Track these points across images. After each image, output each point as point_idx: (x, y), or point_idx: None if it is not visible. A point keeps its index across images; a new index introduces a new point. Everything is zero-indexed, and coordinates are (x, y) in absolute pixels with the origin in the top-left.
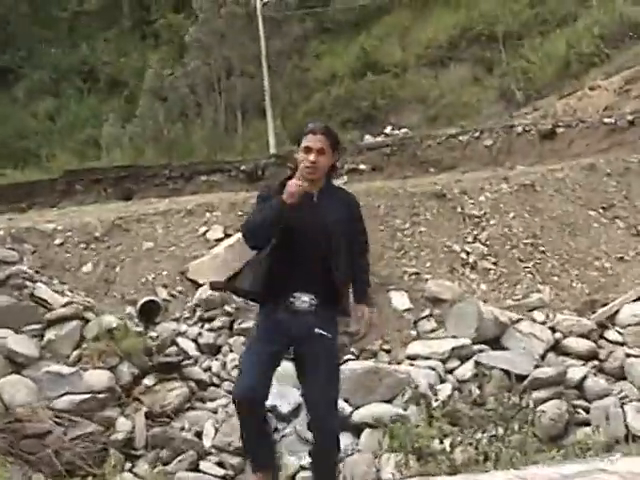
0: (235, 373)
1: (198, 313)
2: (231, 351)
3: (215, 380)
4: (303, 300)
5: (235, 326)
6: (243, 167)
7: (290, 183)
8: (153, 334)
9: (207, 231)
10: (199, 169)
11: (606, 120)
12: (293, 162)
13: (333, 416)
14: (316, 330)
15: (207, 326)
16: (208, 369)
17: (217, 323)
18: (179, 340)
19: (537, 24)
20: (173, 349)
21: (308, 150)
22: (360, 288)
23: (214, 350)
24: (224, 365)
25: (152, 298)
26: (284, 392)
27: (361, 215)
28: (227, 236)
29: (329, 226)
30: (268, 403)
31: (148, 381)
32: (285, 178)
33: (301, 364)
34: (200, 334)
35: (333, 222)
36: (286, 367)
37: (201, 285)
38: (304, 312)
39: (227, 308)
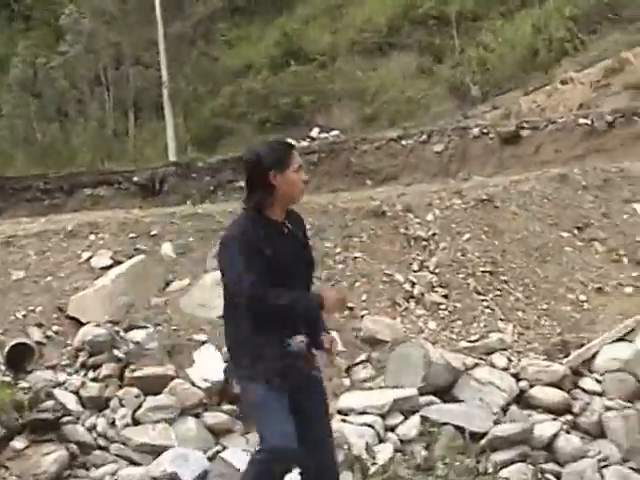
0: (126, 433)
1: (80, 359)
2: (122, 406)
3: (101, 442)
4: (299, 341)
5: (126, 374)
6: (136, 178)
7: (329, 297)
8: (24, 385)
9: (91, 257)
10: (82, 181)
11: (581, 121)
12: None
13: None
14: (313, 372)
15: (91, 375)
16: (93, 428)
17: (104, 371)
18: (57, 392)
19: (497, 4)
20: (49, 403)
21: (300, 168)
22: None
23: (100, 405)
24: (113, 423)
25: (23, 340)
26: (186, 455)
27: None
28: (116, 263)
29: (305, 254)
30: (168, 470)
31: (18, 443)
32: (247, 216)
33: (301, 411)
34: (83, 385)
35: (305, 248)
36: (188, 425)
37: (84, 324)
38: (301, 354)
39: (117, 353)
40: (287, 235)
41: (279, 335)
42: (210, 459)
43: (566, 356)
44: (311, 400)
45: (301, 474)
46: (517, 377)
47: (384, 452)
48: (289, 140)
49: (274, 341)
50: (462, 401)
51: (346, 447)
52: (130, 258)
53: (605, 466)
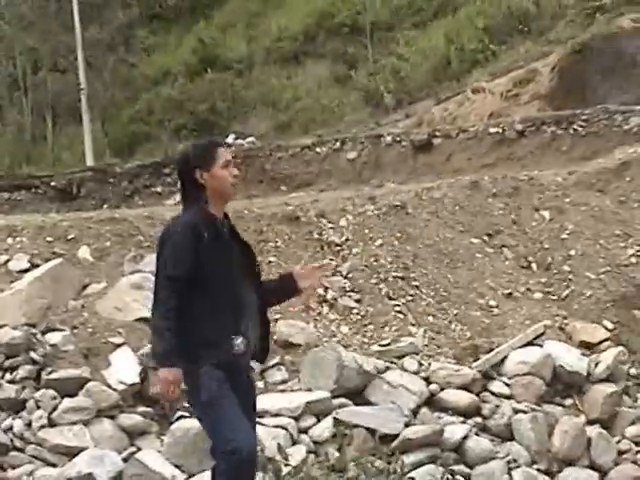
0: (42, 434)
1: None
2: (38, 407)
3: (18, 443)
4: (239, 342)
5: (43, 376)
6: (54, 183)
7: (163, 378)
8: None
9: (9, 260)
10: (0, 184)
11: (492, 130)
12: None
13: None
14: (249, 373)
15: (8, 377)
16: (9, 429)
17: (20, 373)
18: None
19: (410, 14)
20: None
21: (228, 164)
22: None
23: (17, 406)
24: (29, 424)
25: None
26: (101, 456)
27: None
28: (34, 266)
29: (246, 253)
30: (83, 470)
31: None
32: (197, 211)
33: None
34: None
35: (246, 247)
36: (104, 426)
37: (1, 327)
38: (241, 354)
39: (33, 355)
40: (225, 230)
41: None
42: (125, 460)
43: (476, 360)
44: (247, 394)
45: None
46: (428, 380)
47: (297, 454)
48: (218, 138)
49: (219, 341)
50: (374, 404)
51: (259, 449)
52: (48, 261)
53: (514, 467)
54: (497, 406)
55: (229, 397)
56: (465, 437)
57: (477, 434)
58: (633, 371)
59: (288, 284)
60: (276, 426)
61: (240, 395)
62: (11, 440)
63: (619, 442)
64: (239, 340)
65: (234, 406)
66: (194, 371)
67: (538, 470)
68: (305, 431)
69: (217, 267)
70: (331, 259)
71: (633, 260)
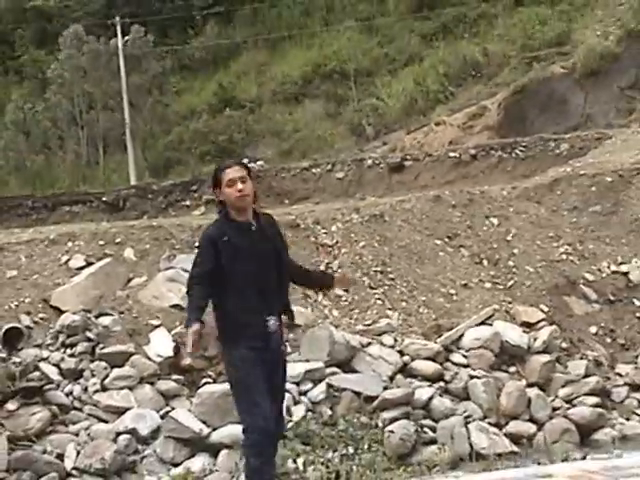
0: (96, 397)
1: (60, 339)
2: (93, 376)
3: (77, 404)
4: (272, 322)
5: (97, 351)
6: (105, 198)
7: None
8: (16, 360)
9: (69, 260)
10: (62, 200)
11: (451, 154)
12: (217, 205)
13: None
14: (282, 347)
15: (69, 352)
16: (70, 394)
17: (79, 348)
18: (42, 365)
19: (386, 63)
20: (36, 374)
21: (233, 182)
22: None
23: (76, 375)
24: (85, 389)
25: (15, 325)
26: (143, 414)
27: (281, 233)
28: (88, 264)
29: (274, 247)
30: (129, 426)
31: (11, 405)
32: (217, 220)
33: (270, 382)
34: (62, 359)
35: (275, 242)
36: (145, 391)
37: (63, 312)
38: (275, 332)
39: (89, 334)
40: (254, 230)
41: (259, 316)
42: (162, 417)
43: (439, 337)
44: (278, 369)
45: None
46: (401, 353)
47: (298, 411)
48: (228, 161)
49: (253, 321)
50: (359, 372)
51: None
52: (100, 260)
53: (470, 422)
54: (456, 373)
55: (254, 379)
56: (431, 398)
57: (441, 395)
58: (564, 345)
59: (327, 281)
60: None
61: (273, 366)
62: (71, 402)
63: (553, 401)
64: (272, 321)
65: (257, 388)
66: (229, 353)
67: (489, 424)
68: (304, 394)
69: (243, 260)
70: (324, 257)
71: (563, 257)
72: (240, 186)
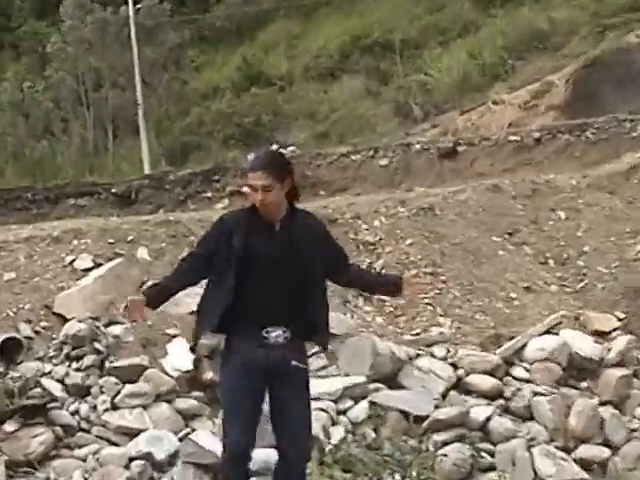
0: (106, 417)
1: (65, 351)
2: (102, 392)
3: (84, 425)
4: (277, 334)
5: (106, 365)
6: (114, 189)
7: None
8: (15, 374)
9: (74, 260)
10: (66, 192)
11: (511, 137)
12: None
13: (308, 452)
14: (293, 363)
15: (75, 365)
16: (76, 413)
17: (86, 362)
18: (44, 381)
19: (436, 33)
20: (37, 391)
21: (254, 189)
22: (385, 276)
23: (83, 392)
24: (94, 408)
25: (13, 335)
26: (159, 437)
27: (328, 232)
28: (97, 265)
29: (299, 253)
30: (143, 449)
31: (9, 427)
32: (245, 208)
33: (277, 399)
34: (67, 374)
35: (303, 249)
36: (161, 409)
37: (68, 320)
38: (278, 346)
39: (97, 345)
40: (277, 235)
41: (256, 326)
42: (181, 440)
43: (499, 347)
44: (288, 389)
45: (278, 453)
46: (455, 366)
47: (336, 433)
48: (258, 155)
49: (249, 331)
50: (406, 388)
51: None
52: (109, 261)
53: (534, 445)
54: (518, 389)
55: (242, 400)
56: (489, 418)
57: (500, 415)
58: None
59: (393, 284)
60: (317, 409)
61: (278, 386)
62: (78, 422)
63: (629, 421)
64: (277, 332)
65: (240, 411)
66: (222, 364)
67: (556, 447)
68: (343, 413)
69: (252, 261)
70: (366, 257)
71: None
72: (261, 196)
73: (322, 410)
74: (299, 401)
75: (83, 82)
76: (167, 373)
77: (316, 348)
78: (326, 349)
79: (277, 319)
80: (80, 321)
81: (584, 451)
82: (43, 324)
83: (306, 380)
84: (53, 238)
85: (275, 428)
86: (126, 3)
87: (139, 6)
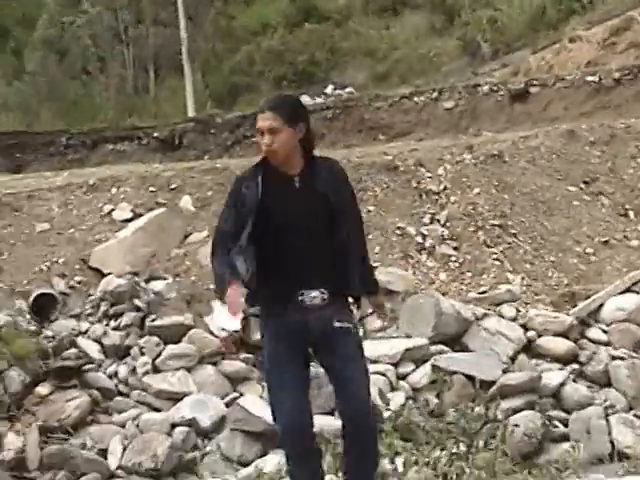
0: (147, 380)
1: (102, 308)
2: (142, 354)
3: (123, 388)
4: (313, 296)
5: (147, 323)
6: (156, 134)
7: (230, 296)
8: (49, 333)
9: (113, 210)
10: (104, 136)
11: (589, 78)
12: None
13: (371, 413)
14: (335, 324)
15: (113, 324)
16: (114, 375)
17: (125, 320)
18: (79, 341)
19: None
20: (72, 351)
21: (260, 133)
22: (365, 276)
23: (121, 352)
24: (133, 370)
25: (47, 290)
26: (204, 402)
27: (348, 184)
28: (137, 216)
29: (326, 206)
30: (187, 415)
31: (42, 389)
32: (258, 163)
33: (327, 363)
34: (105, 333)
35: (326, 202)
36: (207, 372)
37: (106, 275)
38: (317, 308)
39: (137, 302)
40: (298, 191)
41: (291, 290)
42: (227, 405)
43: (573, 307)
44: (335, 351)
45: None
46: (525, 327)
47: (396, 400)
48: (269, 98)
49: (284, 295)
50: (472, 350)
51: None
52: (150, 211)
53: (611, 413)
54: (594, 353)
55: (284, 369)
56: (562, 383)
57: (574, 380)
58: None
59: (361, 289)
60: (376, 372)
61: (324, 350)
62: (116, 386)
63: None
64: (313, 293)
65: (286, 381)
66: (261, 333)
67: (635, 415)
68: (404, 377)
69: (272, 218)
70: (429, 207)
71: None
72: (266, 140)
73: (380, 374)
74: (352, 362)
75: (122, 17)
76: (212, 333)
77: (370, 309)
78: (373, 296)
79: (312, 279)
80: (119, 276)
81: None
82: (78, 279)
83: (356, 340)
84: (90, 186)
85: (335, 392)
86: None
87: None
